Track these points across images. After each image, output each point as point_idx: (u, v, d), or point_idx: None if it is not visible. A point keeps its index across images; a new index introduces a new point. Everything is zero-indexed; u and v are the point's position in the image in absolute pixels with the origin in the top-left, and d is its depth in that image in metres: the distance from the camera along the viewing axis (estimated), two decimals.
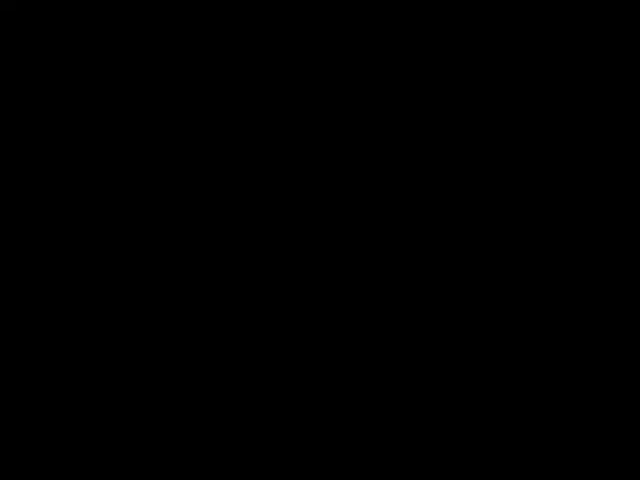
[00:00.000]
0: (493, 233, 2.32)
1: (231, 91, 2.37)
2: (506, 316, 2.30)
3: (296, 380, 2.30)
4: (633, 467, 2.23)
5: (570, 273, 2.30)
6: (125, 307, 2.32)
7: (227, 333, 2.32)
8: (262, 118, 2.37)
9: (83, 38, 2.37)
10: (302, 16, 2.37)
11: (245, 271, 2.33)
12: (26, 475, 2.27)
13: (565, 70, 2.34)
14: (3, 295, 2.32)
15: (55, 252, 2.34)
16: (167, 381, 2.30)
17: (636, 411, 2.25)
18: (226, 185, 2.35)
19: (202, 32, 2.38)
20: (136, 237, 2.34)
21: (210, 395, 2.30)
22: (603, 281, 2.30)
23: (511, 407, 2.27)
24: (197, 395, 2.30)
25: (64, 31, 2.37)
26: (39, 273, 2.33)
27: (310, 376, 2.30)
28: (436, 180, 2.34)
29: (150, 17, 2.37)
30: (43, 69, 2.37)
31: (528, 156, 2.33)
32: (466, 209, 2.33)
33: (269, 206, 2.35)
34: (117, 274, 2.33)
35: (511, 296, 2.30)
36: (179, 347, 2.32)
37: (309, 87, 2.37)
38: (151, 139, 2.36)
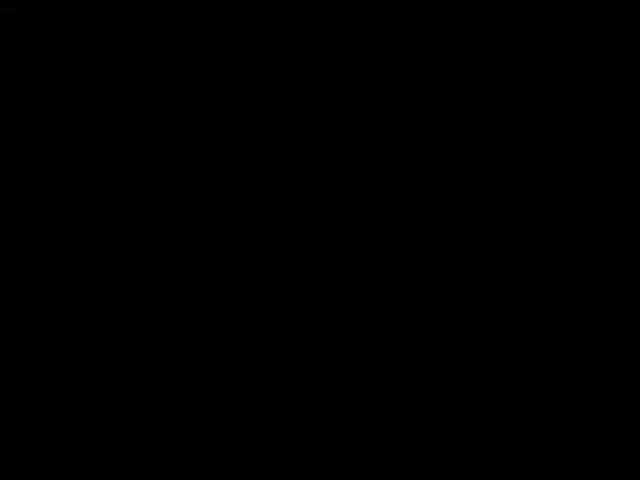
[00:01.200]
0: (493, 233, 2.32)
1: (230, 91, 2.37)
2: (506, 316, 2.30)
3: (296, 380, 2.31)
4: (633, 467, 2.23)
5: (570, 273, 2.31)
6: (125, 307, 2.32)
7: (227, 332, 2.32)
8: (261, 118, 2.37)
9: (83, 38, 2.37)
10: (302, 16, 2.37)
11: (244, 271, 2.34)
12: (26, 475, 2.27)
13: (565, 70, 2.35)
14: (3, 295, 2.32)
15: (55, 252, 2.34)
16: (167, 381, 2.31)
17: (636, 411, 2.26)
18: (225, 185, 2.36)
19: (202, 32, 2.38)
20: (135, 237, 2.34)
21: (210, 395, 2.31)
22: (603, 281, 2.30)
23: (511, 407, 2.28)
24: (197, 395, 2.31)
25: (64, 31, 2.37)
26: (39, 273, 2.33)
27: (310, 376, 2.31)
28: (435, 180, 2.34)
29: (150, 17, 2.37)
30: (43, 69, 2.37)
31: (527, 156, 2.34)
32: (466, 209, 2.33)
33: (268, 206, 2.35)
34: (117, 274, 2.33)
35: (510, 296, 2.31)
36: (179, 347, 2.32)
37: (309, 87, 2.37)
38: (151, 139, 2.36)
